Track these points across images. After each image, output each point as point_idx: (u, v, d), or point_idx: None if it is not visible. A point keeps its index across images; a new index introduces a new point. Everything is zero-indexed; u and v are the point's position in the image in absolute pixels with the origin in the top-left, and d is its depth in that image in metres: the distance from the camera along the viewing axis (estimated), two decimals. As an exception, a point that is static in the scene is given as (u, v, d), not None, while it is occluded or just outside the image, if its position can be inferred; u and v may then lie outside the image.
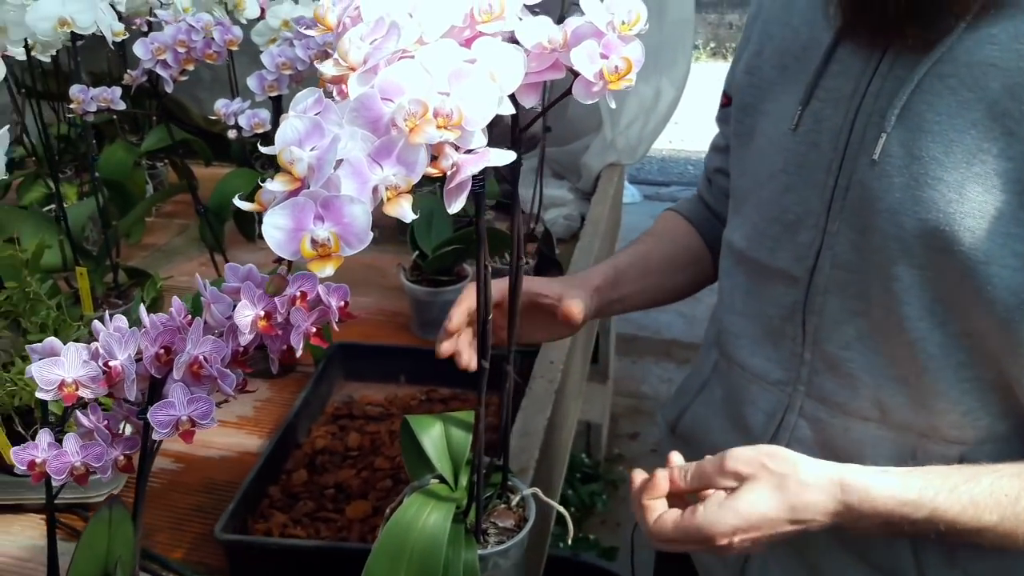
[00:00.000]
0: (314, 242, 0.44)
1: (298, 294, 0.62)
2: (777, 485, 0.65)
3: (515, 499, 0.76)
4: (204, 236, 1.50)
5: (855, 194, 0.70)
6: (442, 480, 0.76)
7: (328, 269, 0.44)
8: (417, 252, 1.39)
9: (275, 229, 0.44)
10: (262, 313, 0.61)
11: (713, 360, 0.89)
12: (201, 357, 0.59)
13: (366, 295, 1.55)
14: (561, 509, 0.77)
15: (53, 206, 1.47)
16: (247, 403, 1.23)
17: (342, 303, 0.63)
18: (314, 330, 0.62)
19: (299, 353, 0.62)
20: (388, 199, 0.45)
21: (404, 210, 0.45)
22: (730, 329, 0.84)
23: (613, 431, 2.66)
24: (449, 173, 0.48)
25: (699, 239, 0.97)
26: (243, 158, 1.70)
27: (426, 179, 1.47)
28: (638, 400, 2.91)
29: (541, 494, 0.75)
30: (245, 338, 0.61)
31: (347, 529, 0.96)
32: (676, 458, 0.72)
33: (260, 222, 0.45)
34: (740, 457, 0.67)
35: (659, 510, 0.69)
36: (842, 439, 0.75)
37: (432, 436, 0.77)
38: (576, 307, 0.85)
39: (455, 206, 0.49)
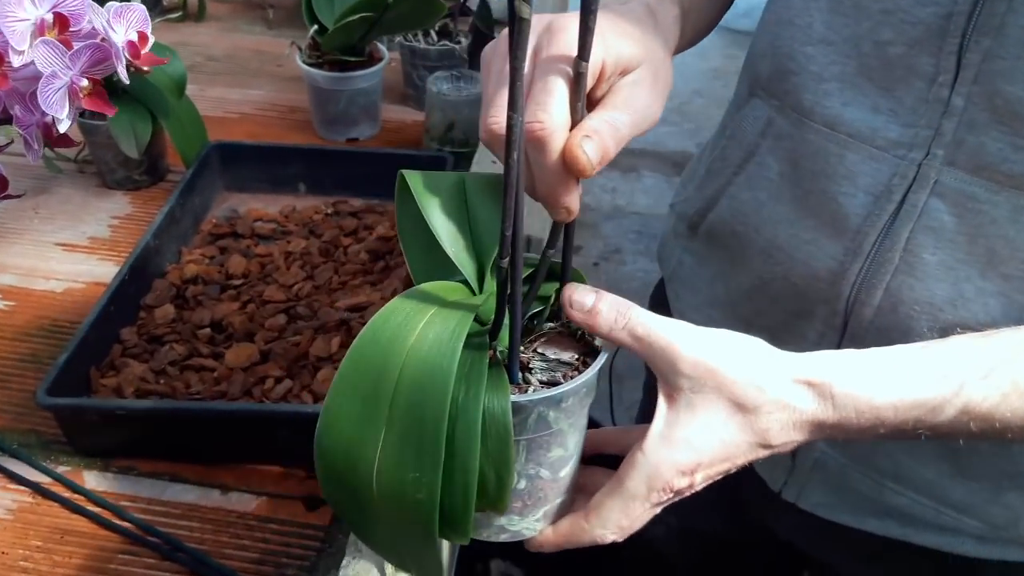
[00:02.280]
0: None
1: (48, 18, 0.35)
2: (738, 404, 0.44)
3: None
4: None
5: None
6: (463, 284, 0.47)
7: None
8: (316, 27, 1.09)
9: None
10: (-17, 51, 0.34)
11: (764, 118, 0.61)
12: None
13: (256, 87, 1.25)
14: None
15: None
16: (101, 220, 0.96)
17: (135, 35, 0.37)
18: (85, 83, 0.36)
19: (62, 126, 0.36)
20: None
21: None
22: (805, 66, 0.57)
23: (553, 245, 2.47)
24: None
25: None
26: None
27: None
28: (580, 212, 2.69)
29: None
30: (-44, 97, 0.34)
31: (227, 380, 0.73)
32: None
33: None
34: (691, 355, 0.44)
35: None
36: (1008, 230, 0.51)
37: (445, 204, 0.45)
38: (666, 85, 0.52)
39: None
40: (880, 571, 0.70)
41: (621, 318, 0.44)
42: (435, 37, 1.16)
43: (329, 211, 0.98)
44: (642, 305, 0.46)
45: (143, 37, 0.36)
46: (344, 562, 0.53)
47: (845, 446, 0.49)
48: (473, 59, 1.19)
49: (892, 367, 0.46)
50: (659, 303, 0.78)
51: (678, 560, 0.94)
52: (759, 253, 0.62)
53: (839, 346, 0.58)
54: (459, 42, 1.16)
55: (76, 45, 0.34)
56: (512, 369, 0.42)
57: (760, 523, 0.74)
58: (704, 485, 0.46)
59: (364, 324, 0.77)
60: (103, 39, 0.36)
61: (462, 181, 0.47)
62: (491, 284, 0.44)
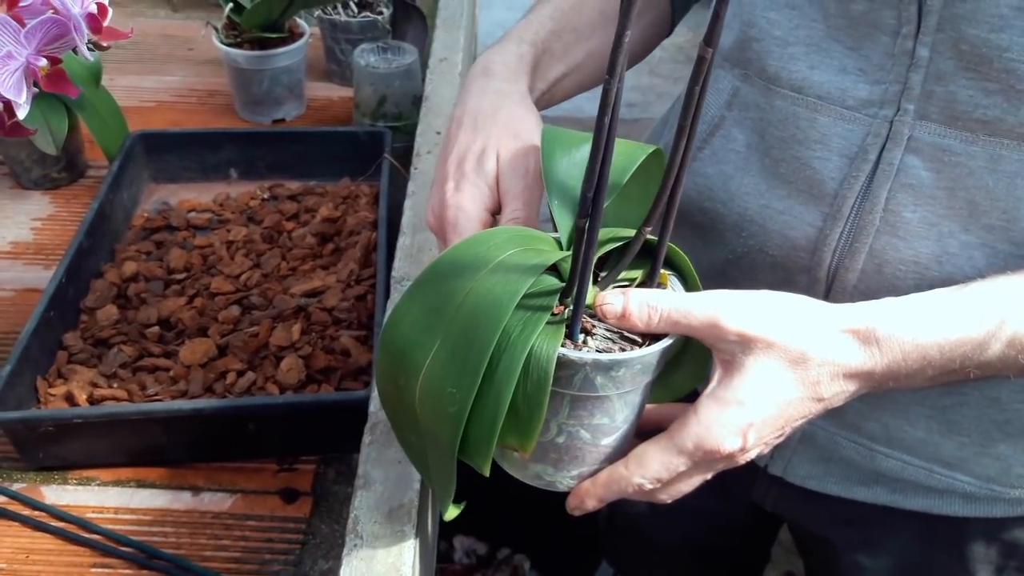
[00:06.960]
0: None
1: (-5, -8, 0.32)
2: (789, 360, 0.44)
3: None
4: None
5: None
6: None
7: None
8: (231, 4, 1.05)
9: None
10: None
11: (729, 89, 0.60)
12: None
13: (169, 73, 1.19)
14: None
15: None
16: (22, 224, 0.91)
17: (95, 6, 0.34)
18: (43, 62, 0.33)
19: (21, 111, 0.33)
20: None
21: None
22: (768, 31, 0.56)
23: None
24: None
25: None
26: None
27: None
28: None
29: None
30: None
31: (185, 378, 0.70)
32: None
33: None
34: (734, 327, 0.44)
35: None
36: (987, 181, 0.50)
37: (573, 158, 0.48)
38: None
39: None
40: (867, 538, 0.71)
41: (653, 311, 0.43)
42: (355, 9, 1.13)
43: (265, 196, 0.95)
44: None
45: (103, 9, 0.33)
46: (345, 549, 0.52)
47: (833, 414, 0.49)
48: (396, 30, 1.16)
49: (933, 308, 0.46)
50: None
51: (661, 536, 0.94)
52: (730, 228, 0.61)
53: None
54: (381, 13, 1.13)
55: (29, 22, 0.32)
56: (574, 328, 0.42)
57: (746, 498, 0.75)
58: (758, 450, 0.45)
59: (323, 310, 0.76)
60: (55, 11, 0.33)
61: (587, 141, 0.48)
62: None
